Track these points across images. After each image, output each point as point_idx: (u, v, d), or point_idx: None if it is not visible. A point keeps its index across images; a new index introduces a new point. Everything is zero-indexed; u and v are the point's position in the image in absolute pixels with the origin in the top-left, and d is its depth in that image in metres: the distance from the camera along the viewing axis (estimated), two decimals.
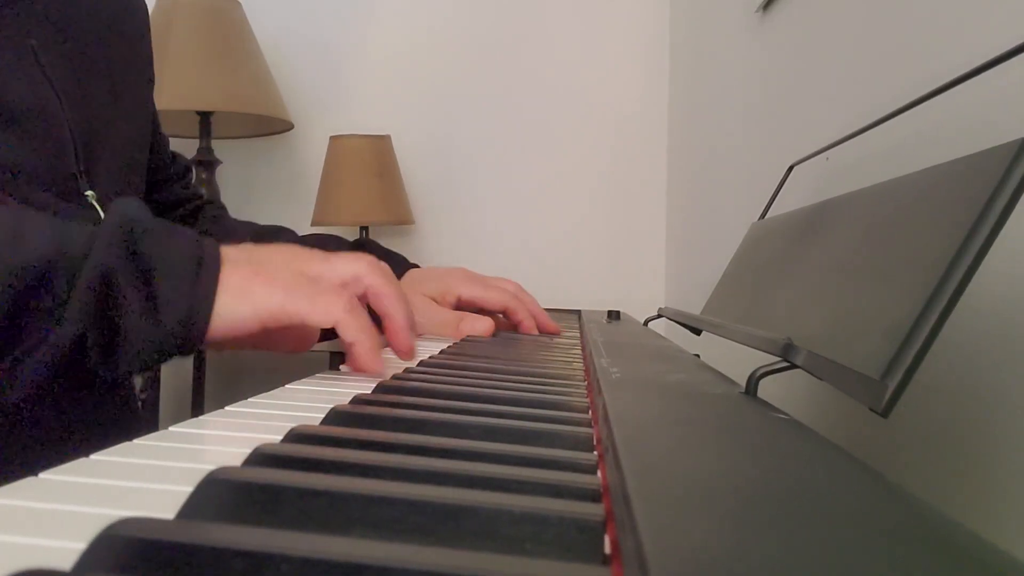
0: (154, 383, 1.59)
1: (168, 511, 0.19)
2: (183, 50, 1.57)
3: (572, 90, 1.91)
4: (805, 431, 0.27)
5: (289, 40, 1.90)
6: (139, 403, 0.68)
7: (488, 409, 0.32)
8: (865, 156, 0.66)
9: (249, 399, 0.37)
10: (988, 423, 0.46)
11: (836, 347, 0.35)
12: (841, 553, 0.15)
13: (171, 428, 0.30)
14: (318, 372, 0.48)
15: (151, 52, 0.74)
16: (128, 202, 0.43)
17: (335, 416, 0.30)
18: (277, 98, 1.70)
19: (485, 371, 0.45)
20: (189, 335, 0.41)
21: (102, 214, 0.59)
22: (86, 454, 0.25)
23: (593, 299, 1.82)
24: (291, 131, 1.82)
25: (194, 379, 1.70)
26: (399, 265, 0.80)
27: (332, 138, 1.74)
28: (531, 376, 0.44)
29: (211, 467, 0.20)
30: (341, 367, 0.48)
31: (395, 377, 0.42)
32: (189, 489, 0.19)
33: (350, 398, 0.34)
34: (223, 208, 0.88)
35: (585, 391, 0.39)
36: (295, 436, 0.26)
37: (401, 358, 0.49)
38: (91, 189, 0.59)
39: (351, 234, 1.84)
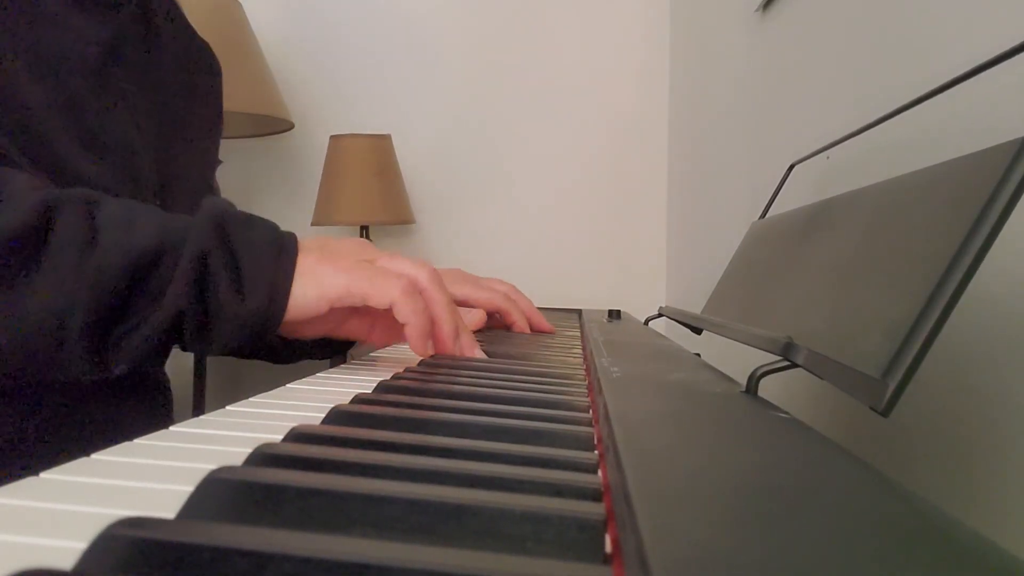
0: None
1: (169, 511, 0.19)
2: None
3: (573, 90, 1.91)
4: (806, 430, 0.27)
5: (289, 40, 1.90)
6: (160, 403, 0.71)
7: (489, 408, 0.32)
8: (865, 155, 0.66)
9: (250, 399, 0.37)
10: (989, 422, 0.46)
11: (837, 346, 0.35)
12: (842, 552, 0.15)
13: (172, 428, 0.30)
14: (319, 372, 0.48)
15: (222, 110, 0.82)
16: (217, 199, 0.49)
17: (336, 415, 0.30)
18: (277, 98, 1.70)
19: (486, 370, 0.45)
20: (270, 313, 0.46)
21: None
22: (106, 445, 0.25)
23: (594, 298, 1.82)
24: (291, 131, 1.82)
25: (195, 379, 1.70)
26: None
27: (332, 138, 1.74)
28: (532, 375, 0.44)
29: (212, 467, 0.20)
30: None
31: (396, 376, 0.42)
32: (190, 489, 0.19)
33: (351, 397, 0.34)
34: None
35: (586, 390, 0.39)
36: (296, 436, 0.26)
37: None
38: None
39: (352, 234, 1.84)
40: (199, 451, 0.27)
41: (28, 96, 0.52)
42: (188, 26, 0.74)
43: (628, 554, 0.16)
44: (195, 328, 0.45)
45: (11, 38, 0.53)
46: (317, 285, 0.47)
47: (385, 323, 0.55)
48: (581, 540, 0.18)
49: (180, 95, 0.71)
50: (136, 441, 0.27)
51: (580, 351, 0.59)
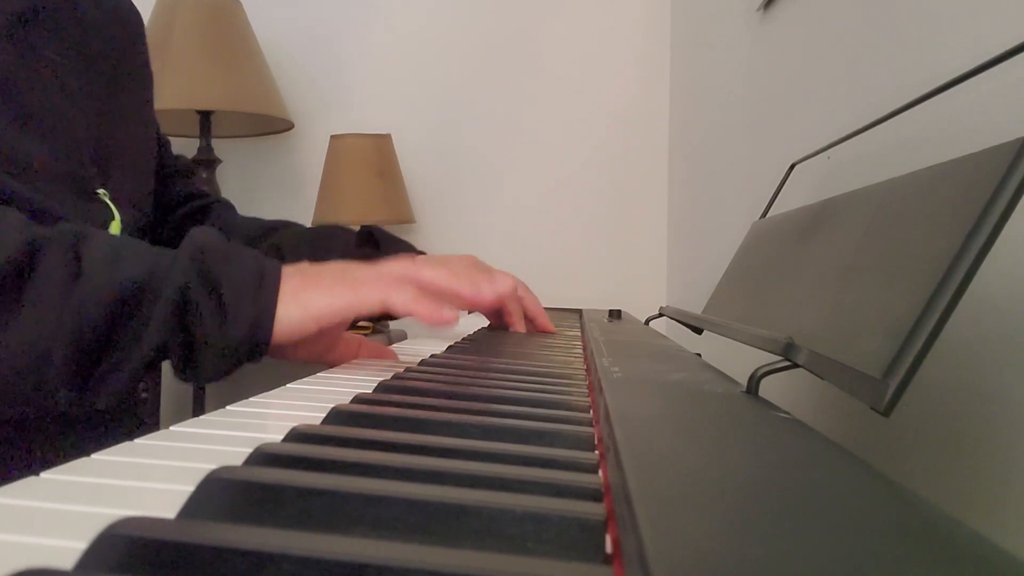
0: (155, 383, 1.59)
1: (169, 510, 0.19)
2: (184, 49, 1.57)
3: (573, 89, 1.91)
4: (806, 430, 0.27)
5: (290, 39, 1.90)
6: (141, 402, 0.71)
7: (489, 408, 0.32)
8: (866, 155, 0.66)
9: (250, 398, 0.37)
10: (990, 422, 0.46)
11: (837, 346, 0.35)
12: (843, 552, 0.15)
13: (172, 427, 0.30)
14: (318, 372, 0.48)
15: (149, 58, 0.78)
16: (200, 230, 0.49)
17: (336, 415, 0.30)
18: (277, 97, 1.70)
19: (486, 370, 0.45)
20: (256, 340, 0.46)
21: (115, 212, 0.63)
22: (87, 453, 0.25)
23: (594, 298, 1.82)
24: (291, 130, 1.82)
25: None
26: (405, 252, 0.82)
27: (333, 137, 1.74)
28: (532, 375, 0.44)
29: (212, 466, 0.20)
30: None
31: (396, 376, 0.42)
32: (190, 488, 0.19)
33: (351, 397, 0.34)
34: (231, 206, 0.91)
35: (586, 390, 0.39)
36: (296, 435, 0.26)
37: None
38: (104, 188, 0.63)
39: None
40: (199, 451, 0.27)
41: None
42: None
43: (628, 554, 0.16)
44: (181, 360, 0.46)
45: None
46: (302, 307, 0.47)
47: (369, 344, 0.57)
48: (581, 540, 0.18)
49: (106, 55, 0.68)
50: (136, 441, 0.27)
51: (581, 351, 0.59)
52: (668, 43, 1.90)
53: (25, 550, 0.17)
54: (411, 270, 0.53)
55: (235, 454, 0.23)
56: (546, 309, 0.80)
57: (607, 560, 0.18)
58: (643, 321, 0.88)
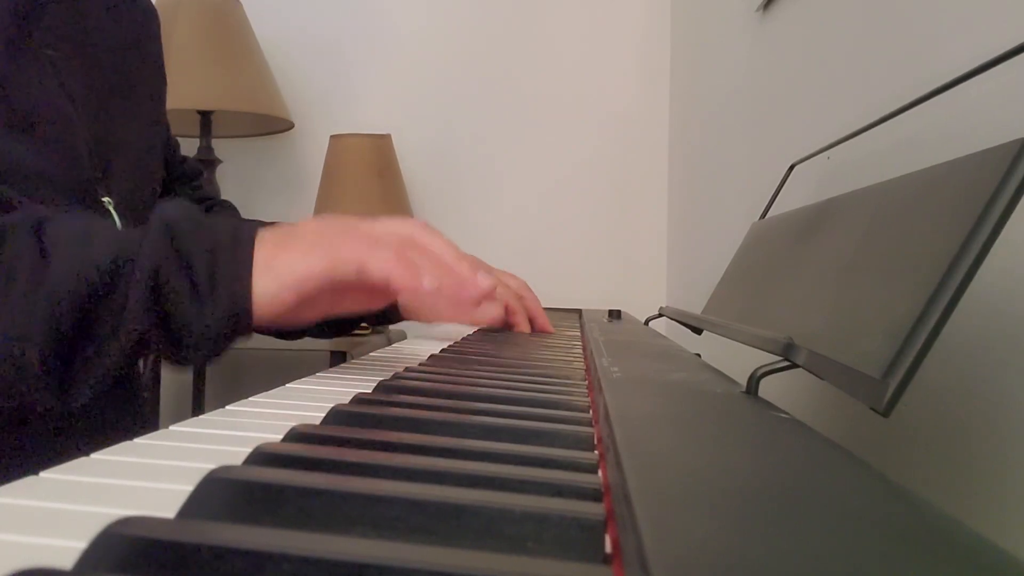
0: (155, 382, 1.59)
1: (169, 510, 0.19)
2: (184, 49, 1.57)
3: (573, 89, 1.91)
4: (806, 430, 0.27)
5: (290, 39, 1.90)
6: (143, 400, 0.69)
7: (489, 408, 0.32)
8: (866, 155, 0.66)
9: (250, 398, 0.37)
10: (989, 422, 0.46)
11: (837, 346, 0.35)
12: (842, 552, 0.15)
13: (171, 427, 0.30)
14: (318, 371, 0.48)
15: (163, 59, 0.76)
16: (170, 205, 0.46)
17: (336, 415, 0.30)
18: (278, 97, 1.70)
19: (486, 370, 0.45)
20: (237, 317, 0.43)
21: (118, 220, 0.61)
22: (87, 452, 0.25)
23: (594, 298, 1.82)
24: (292, 130, 1.82)
25: (194, 378, 1.70)
26: None
27: (333, 137, 1.74)
28: (532, 375, 0.44)
29: (212, 466, 0.20)
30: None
31: (396, 376, 0.42)
32: (189, 488, 0.19)
33: (351, 397, 0.34)
34: (234, 208, 0.90)
35: (586, 390, 0.39)
36: (296, 435, 0.26)
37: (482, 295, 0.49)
38: (107, 195, 0.61)
39: None
40: (199, 450, 0.27)
41: None
42: None
43: (628, 554, 0.16)
44: (165, 345, 0.43)
45: None
46: (275, 278, 0.44)
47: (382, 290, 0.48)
48: (581, 540, 0.18)
49: (113, 51, 0.66)
50: (136, 441, 0.27)
51: (580, 351, 0.59)
52: (668, 43, 1.90)
53: (25, 550, 0.17)
54: (409, 232, 0.48)
55: (235, 454, 0.23)
56: (546, 309, 0.80)
57: (607, 560, 0.18)
58: (643, 321, 0.88)
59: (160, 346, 0.43)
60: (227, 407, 0.35)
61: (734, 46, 1.26)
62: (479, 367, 0.46)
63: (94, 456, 0.25)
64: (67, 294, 0.40)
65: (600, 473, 0.23)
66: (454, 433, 0.28)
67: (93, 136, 0.61)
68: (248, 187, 1.92)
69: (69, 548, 0.17)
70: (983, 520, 0.46)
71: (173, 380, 1.82)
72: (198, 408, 1.67)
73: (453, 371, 0.44)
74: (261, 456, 0.23)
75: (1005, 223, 0.29)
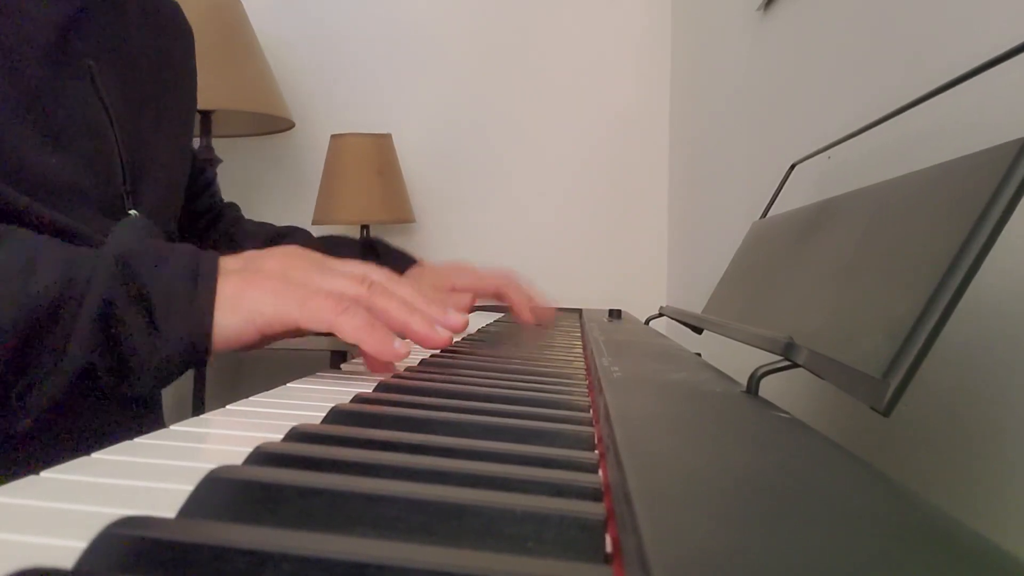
0: None
1: (169, 510, 0.19)
2: None
3: (573, 88, 1.91)
4: (806, 430, 0.27)
5: (290, 38, 1.90)
6: (151, 402, 0.69)
7: (489, 408, 0.32)
8: (867, 155, 0.66)
9: (250, 398, 0.37)
10: (989, 422, 0.46)
11: (837, 346, 0.35)
12: (842, 551, 0.15)
13: (172, 427, 0.30)
14: (319, 371, 0.48)
15: (195, 76, 0.77)
16: (124, 225, 0.45)
17: (336, 415, 0.30)
18: (278, 96, 1.70)
19: (486, 370, 0.45)
20: (194, 353, 0.42)
21: None
22: (90, 452, 0.25)
23: (594, 298, 1.82)
24: (292, 130, 1.82)
25: (195, 378, 1.70)
26: (404, 263, 0.82)
27: (333, 137, 1.74)
28: (532, 375, 0.44)
29: (212, 466, 0.20)
30: (342, 366, 0.48)
31: (396, 376, 0.42)
32: (190, 488, 0.19)
33: (351, 397, 0.34)
34: (238, 209, 0.91)
35: (586, 390, 0.39)
36: (296, 435, 0.26)
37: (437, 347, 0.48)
38: (135, 209, 0.61)
39: (351, 232, 1.84)
40: (199, 450, 0.27)
41: None
42: None
43: (628, 554, 0.16)
44: (111, 376, 0.42)
45: None
46: (240, 313, 0.43)
47: None
48: (581, 540, 0.18)
49: (149, 64, 0.67)
50: (136, 440, 0.27)
51: (581, 351, 0.59)
52: (668, 43, 1.90)
53: (25, 549, 0.17)
54: (365, 293, 0.46)
55: (235, 453, 0.23)
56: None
57: (607, 559, 0.18)
58: (643, 321, 0.88)
59: (107, 376, 0.42)
60: (227, 407, 0.35)
61: (735, 46, 1.25)
62: (479, 367, 0.46)
63: (94, 455, 0.25)
64: (3, 326, 0.39)
65: (600, 473, 0.23)
66: (454, 432, 0.28)
67: (127, 149, 0.61)
68: (248, 187, 1.92)
69: (70, 548, 0.17)
70: (983, 520, 0.46)
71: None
72: (198, 408, 1.67)
73: (453, 370, 0.44)
74: (261, 456, 0.23)
75: (1005, 223, 0.29)
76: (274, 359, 1.82)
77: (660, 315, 0.84)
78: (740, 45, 1.22)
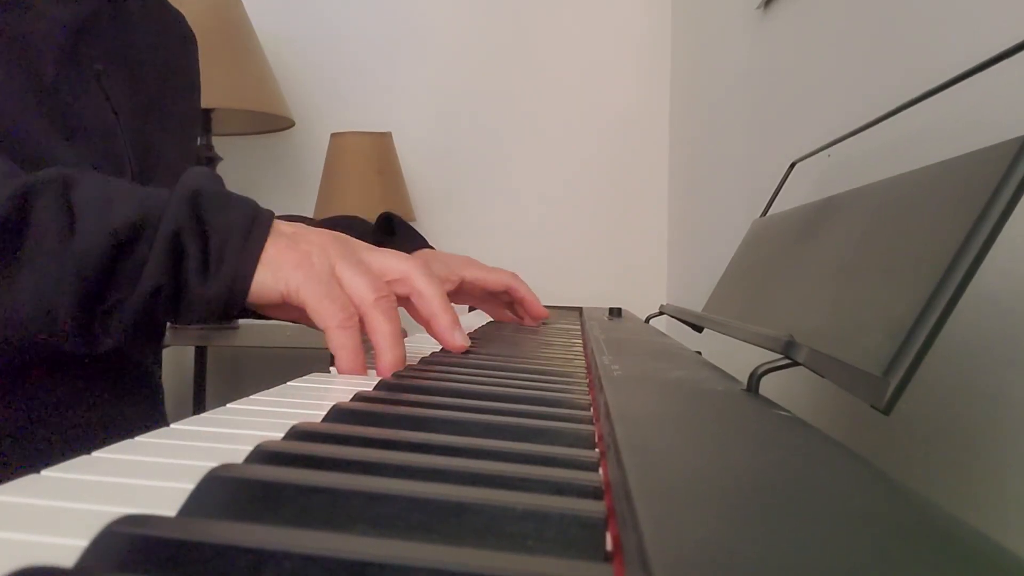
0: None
1: (170, 508, 0.19)
2: None
3: (573, 87, 1.90)
4: (807, 428, 0.27)
5: (290, 37, 1.90)
6: (161, 399, 0.70)
7: (490, 406, 0.32)
8: (867, 153, 0.66)
9: (251, 396, 0.37)
10: (989, 420, 0.46)
11: (838, 344, 0.35)
12: (842, 549, 0.15)
13: (173, 425, 0.30)
14: (319, 370, 0.48)
15: (199, 82, 0.80)
16: (197, 172, 0.48)
17: (337, 413, 0.30)
18: (278, 95, 1.70)
19: (487, 368, 0.45)
20: (230, 298, 0.46)
21: None
22: (90, 450, 0.25)
23: (595, 296, 1.82)
24: (292, 128, 1.82)
25: (195, 376, 1.70)
26: (415, 241, 0.85)
27: (333, 135, 1.74)
28: (533, 373, 0.44)
29: (213, 464, 0.20)
30: (331, 368, 0.48)
31: (396, 374, 0.42)
32: (191, 486, 0.19)
33: (352, 395, 0.34)
34: None
35: (587, 388, 0.39)
36: (297, 433, 0.26)
37: (455, 351, 0.52)
38: None
39: None
40: (200, 449, 0.27)
41: None
42: None
43: (629, 552, 0.16)
44: (167, 303, 0.46)
45: None
46: (273, 275, 0.46)
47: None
48: (582, 538, 0.18)
49: (155, 69, 0.69)
50: (137, 439, 0.27)
51: (581, 349, 0.59)
52: (668, 43, 1.90)
53: (26, 548, 0.17)
54: (406, 271, 0.50)
55: (236, 452, 0.23)
56: (546, 307, 0.81)
57: (607, 558, 0.18)
58: (643, 319, 0.88)
59: (167, 303, 0.46)
60: (228, 405, 0.35)
61: (735, 45, 1.25)
62: (479, 365, 0.46)
63: (95, 454, 0.25)
64: (92, 254, 0.43)
65: (601, 471, 0.23)
66: (455, 431, 0.28)
67: (134, 148, 0.63)
68: (248, 185, 1.91)
69: (70, 546, 0.17)
70: (983, 518, 0.46)
71: (174, 379, 1.82)
72: (199, 406, 1.67)
73: (454, 369, 0.44)
74: (262, 454, 0.23)
75: (1006, 221, 0.29)
76: (274, 358, 1.82)
77: (660, 313, 0.84)
78: (740, 44, 1.22)
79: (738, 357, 0.76)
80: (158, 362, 0.73)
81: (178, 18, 0.76)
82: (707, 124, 1.48)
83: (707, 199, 1.46)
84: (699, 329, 0.72)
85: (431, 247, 0.85)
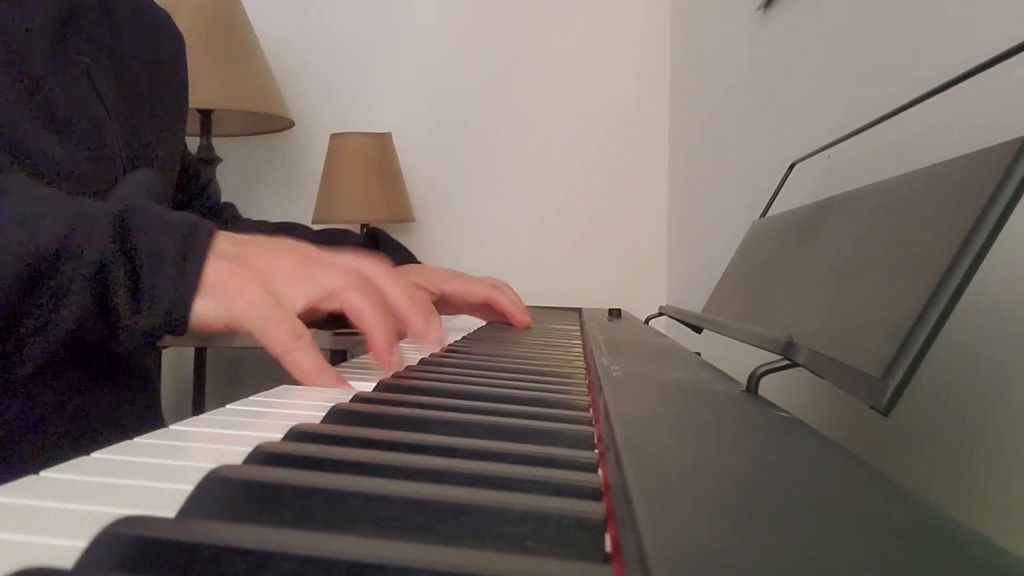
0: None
1: (169, 510, 0.19)
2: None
3: (573, 88, 1.90)
4: (806, 429, 0.27)
5: (290, 37, 1.90)
6: (159, 401, 0.70)
7: (489, 407, 0.32)
8: (866, 154, 0.66)
9: (250, 397, 0.37)
10: (989, 421, 0.46)
11: (837, 345, 0.35)
12: (842, 551, 0.15)
13: (172, 426, 0.30)
14: None
15: (187, 81, 0.79)
16: (132, 182, 0.46)
17: (336, 414, 0.30)
18: (278, 96, 1.70)
19: (486, 369, 0.45)
20: (172, 324, 0.43)
21: None
22: (89, 451, 0.25)
23: (594, 297, 1.82)
24: (292, 129, 1.82)
25: (195, 377, 1.70)
26: (400, 255, 0.84)
27: (333, 136, 1.74)
28: (532, 374, 0.44)
29: (212, 465, 0.20)
30: (341, 365, 0.48)
31: (396, 375, 0.42)
32: (190, 488, 0.19)
33: (351, 396, 0.34)
34: (236, 210, 0.92)
35: (586, 389, 0.39)
36: (296, 434, 0.26)
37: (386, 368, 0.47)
38: None
39: None
40: (199, 450, 0.27)
41: None
42: None
43: (628, 553, 0.16)
44: (97, 334, 0.44)
45: None
46: (217, 303, 0.43)
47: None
48: (581, 539, 0.18)
49: (143, 64, 0.68)
50: (136, 440, 0.27)
51: (580, 350, 0.59)
52: (668, 43, 1.90)
53: (25, 549, 0.17)
54: (366, 270, 0.47)
55: (235, 453, 0.23)
56: (545, 308, 0.81)
57: (606, 559, 0.18)
58: (643, 320, 0.88)
59: (93, 334, 0.43)
60: (227, 406, 0.35)
61: (734, 45, 1.25)
62: (479, 366, 0.46)
63: (94, 455, 0.25)
64: (6, 274, 0.40)
65: (600, 472, 0.23)
66: (454, 432, 0.28)
67: (124, 141, 0.62)
68: (248, 186, 1.91)
69: (69, 547, 0.17)
70: (983, 519, 0.46)
71: (173, 380, 1.82)
72: (198, 407, 1.67)
73: (453, 370, 0.44)
74: (261, 455, 0.23)
75: (1005, 222, 0.29)
76: (274, 359, 1.82)
77: (660, 314, 0.84)
78: (740, 45, 1.22)
79: (738, 358, 0.76)
80: (157, 363, 0.74)
81: (164, 16, 0.75)
82: (707, 124, 1.49)
83: (706, 200, 1.46)
84: (699, 330, 0.72)
85: (418, 261, 0.85)
